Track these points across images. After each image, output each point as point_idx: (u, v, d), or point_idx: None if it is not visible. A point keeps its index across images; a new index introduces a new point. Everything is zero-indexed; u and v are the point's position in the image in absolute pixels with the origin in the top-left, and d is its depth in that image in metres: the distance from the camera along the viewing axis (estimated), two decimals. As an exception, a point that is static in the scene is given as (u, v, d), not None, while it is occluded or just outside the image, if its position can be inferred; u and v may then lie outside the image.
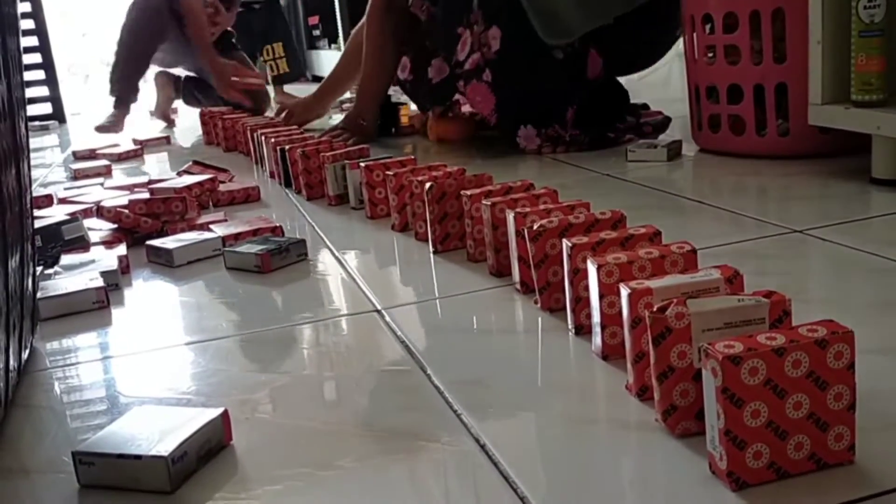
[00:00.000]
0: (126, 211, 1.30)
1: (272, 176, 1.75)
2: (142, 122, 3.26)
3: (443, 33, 1.82)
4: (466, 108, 2.05)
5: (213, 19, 2.88)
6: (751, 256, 0.97)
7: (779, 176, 1.36)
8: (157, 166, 2.18)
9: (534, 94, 1.75)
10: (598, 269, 0.69)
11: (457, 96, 1.88)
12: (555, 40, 1.70)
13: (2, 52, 0.72)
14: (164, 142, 2.61)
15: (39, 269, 1.09)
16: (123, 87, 2.93)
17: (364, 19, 2.07)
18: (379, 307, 0.91)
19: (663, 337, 0.56)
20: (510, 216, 0.89)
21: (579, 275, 0.75)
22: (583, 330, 0.76)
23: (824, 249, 0.97)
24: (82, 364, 0.83)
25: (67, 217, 1.25)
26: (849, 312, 0.78)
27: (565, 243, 0.76)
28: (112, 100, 2.97)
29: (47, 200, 1.60)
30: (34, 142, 3.23)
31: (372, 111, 2.07)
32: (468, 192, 1.02)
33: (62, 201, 1.58)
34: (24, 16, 3.61)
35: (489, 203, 0.95)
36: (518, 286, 0.90)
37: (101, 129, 2.90)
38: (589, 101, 1.76)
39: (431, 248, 1.09)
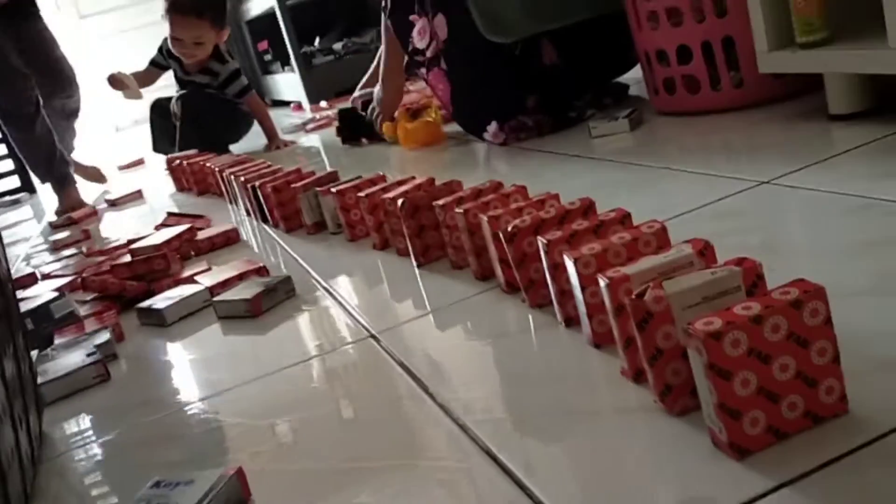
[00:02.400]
0: (110, 278, 1.31)
1: (248, 213, 1.76)
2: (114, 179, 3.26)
3: (396, 20, 1.84)
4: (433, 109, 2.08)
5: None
6: (726, 216, 0.98)
7: (741, 128, 1.37)
8: (135, 221, 2.18)
9: (489, 84, 1.76)
10: (575, 262, 0.70)
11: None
12: (496, 38, 1.71)
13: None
14: (137, 196, 2.61)
15: (34, 352, 1.10)
16: None
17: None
18: (374, 332, 0.92)
19: (646, 322, 0.58)
20: (484, 221, 0.90)
21: (559, 269, 0.76)
22: (572, 322, 0.78)
23: (796, 197, 0.98)
24: (95, 443, 0.84)
25: (55, 295, 1.25)
26: (828, 258, 0.80)
27: (540, 241, 0.77)
28: None
29: (31, 279, 1.61)
30: (7, 217, 3.23)
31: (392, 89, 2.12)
32: (440, 202, 1.03)
33: (46, 277, 1.59)
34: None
35: (462, 211, 0.96)
36: (504, 287, 0.92)
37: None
38: (548, 86, 1.78)
39: (414, 263, 1.10)
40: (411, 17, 1.80)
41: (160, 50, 2.99)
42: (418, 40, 1.81)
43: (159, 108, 3.03)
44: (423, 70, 1.83)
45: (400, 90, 2.16)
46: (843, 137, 1.15)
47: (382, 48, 2.07)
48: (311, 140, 2.91)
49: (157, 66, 3.01)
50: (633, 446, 0.58)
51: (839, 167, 1.04)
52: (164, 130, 3.00)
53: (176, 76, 2.99)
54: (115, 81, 2.87)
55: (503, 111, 1.76)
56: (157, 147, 3.12)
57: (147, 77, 3.01)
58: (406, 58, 2.00)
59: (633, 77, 1.88)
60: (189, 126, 2.82)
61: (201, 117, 2.81)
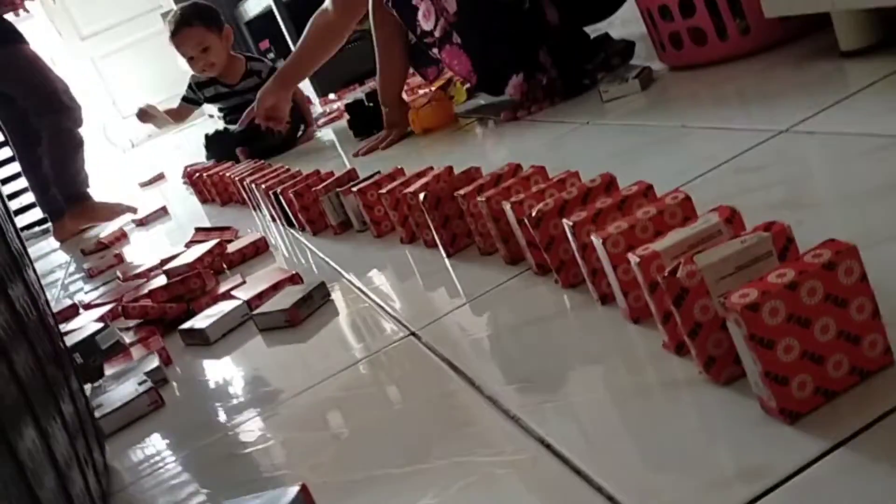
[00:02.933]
0: (150, 302, 1.33)
1: (273, 220, 1.78)
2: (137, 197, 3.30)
3: (399, 6, 1.84)
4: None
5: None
6: (748, 171, 0.98)
7: (752, 75, 1.36)
8: (165, 239, 2.22)
9: (503, 44, 1.76)
10: (604, 242, 0.71)
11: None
12: None
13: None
14: (163, 212, 2.64)
15: (87, 386, 1.13)
16: None
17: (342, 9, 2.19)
18: (413, 329, 0.93)
19: (682, 298, 0.58)
20: (508, 207, 0.91)
21: (588, 249, 0.77)
22: (608, 299, 0.79)
23: (816, 143, 0.98)
24: (157, 471, 0.86)
25: (99, 326, 1.28)
26: (856, 205, 0.80)
27: (566, 223, 0.78)
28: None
29: (72, 310, 1.64)
30: (40, 247, 3.29)
31: (394, 100, 2.13)
32: (462, 192, 1.04)
33: (86, 307, 1.62)
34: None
35: (484, 199, 0.97)
36: (535, 269, 0.93)
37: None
38: (557, 45, 1.77)
39: (444, 253, 1.11)
40: (414, 2, 1.80)
41: (189, 87, 3.09)
42: (424, 22, 1.81)
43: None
44: (435, 50, 1.83)
45: (396, 75, 2.12)
46: (857, 74, 1.14)
47: (375, 45, 2.07)
48: (326, 133, 2.93)
49: (189, 102, 3.14)
50: (685, 419, 0.59)
51: (857, 106, 1.03)
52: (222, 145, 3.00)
53: (221, 96, 3.04)
54: (144, 115, 3.01)
55: (520, 63, 1.76)
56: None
57: (180, 113, 3.15)
58: (401, 45, 2.00)
59: (639, 33, 1.87)
60: (262, 140, 2.85)
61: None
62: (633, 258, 0.65)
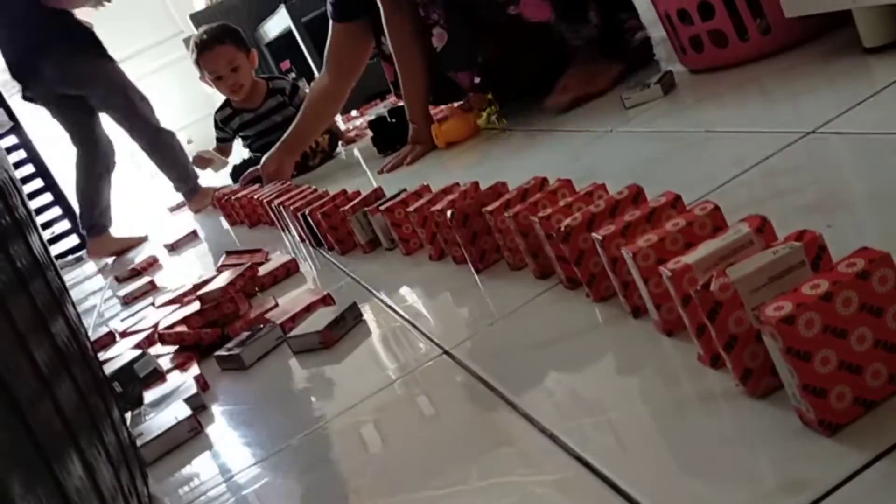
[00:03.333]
0: (185, 328, 1.35)
1: (302, 240, 1.79)
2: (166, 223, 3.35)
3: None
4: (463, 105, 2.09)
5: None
6: (777, 175, 0.97)
7: (776, 75, 1.35)
8: (196, 263, 2.24)
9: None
10: (634, 256, 0.71)
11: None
12: None
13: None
14: (193, 236, 2.67)
15: (127, 415, 1.15)
16: None
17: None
18: (446, 348, 0.94)
19: (716, 312, 0.58)
20: (536, 223, 0.91)
21: (619, 263, 0.77)
22: (640, 312, 0.78)
23: (844, 144, 0.97)
24: (201, 498, 0.87)
25: (137, 353, 1.30)
26: (888, 206, 0.79)
27: (595, 237, 0.78)
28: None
29: (109, 338, 1.67)
30: (74, 275, 3.34)
31: (421, 116, 2.14)
32: (489, 209, 1.04)
33: (123, 335, 1.64)
34: (22, 162, 3.72)
35: (512, 214, 0.97)
36: (565, 283, 0.93)
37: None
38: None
39: (473, 269, 1.11)
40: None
41: (217, 126, 3.15)
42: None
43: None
44: (511, 6, 1.83)
45: (420, 89, 2.13)
46: (883, 71, 1.13)
47: (395, 62, 2.08)
48: (349, 151, 2.95)
49: (223, 141, 3.21)
50: (724, 433, 0.59)
51: (884, 104, 1.02)
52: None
53: (247, 124, 3.08)
54: (201, 161, 3.12)
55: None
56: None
57: (223, 151, 3.23)
58: (421, 58, 2.01)
59: (659, 36, 1.86)
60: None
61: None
62: (665, 272, 0.65)
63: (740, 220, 0.67)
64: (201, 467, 0.95)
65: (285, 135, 2.55)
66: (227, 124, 3.10)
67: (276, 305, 1.36)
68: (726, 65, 1.49)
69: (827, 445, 0.52)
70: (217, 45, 2.89)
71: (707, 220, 0.71)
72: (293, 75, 4.58)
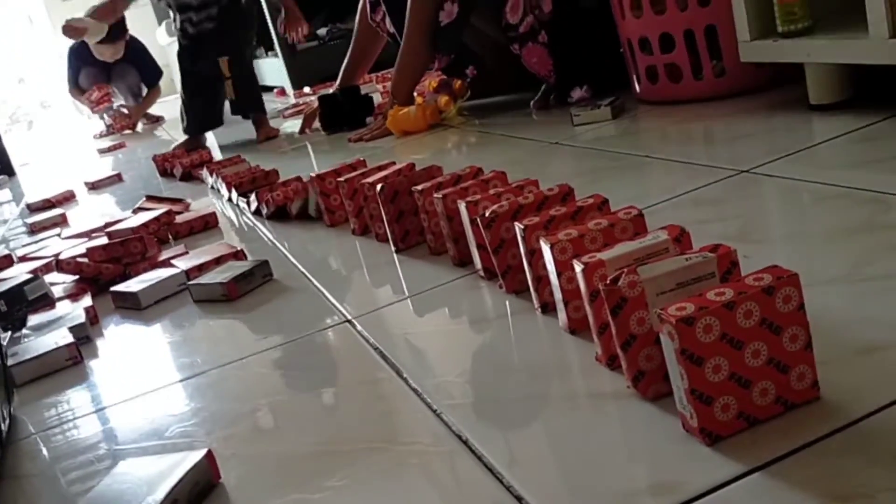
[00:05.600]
0: (86, 260, 1.29)
1: (229, 201, 1.74)
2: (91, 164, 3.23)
3: None
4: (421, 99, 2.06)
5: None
6: (705, 204, 0.98)
7: (721, 117, 1.37)
8: (114, 205, 2.17)
9: (591, 53, 1.78)
10: (552, 247, 0.70)
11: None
12: None
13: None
14: (117, 179, 2.58)
15: (7, 333, 1.09)
16: None
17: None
18: (349, 317, 0.91)
19: (620, 307, 0.57)
20: (462, 206, 0.89)
21: (536, 255, 0.76)
22: (548, 307, 0.78)
23: (774, 186, 0.98)
24: (64, 424, 0.83)
25: (28, 276, 1.24)
26: (804, 246, 0.80)
27: (517, 226, 0.77)
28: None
29: (7, 261, 1.59)
30: (-14, 200, 3.20)
31: (406, 94, 2.07)
32: (419, 188, 1.03)
33: (22, 259, 1.57)
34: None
35: (441, 196, 0.95)
36: (481, 273, 0.91)
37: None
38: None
39: (393, 248, 1.09)
40: None
41: None
42: (511, 16, 1.80)
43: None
44: (516, 45, 1.82)
45: (418, 71, 2.08)
46: (823, 127, 1.15)
47: (407, 29, 2.01)
48: (294, 125, 2.89)
49: None
50: (605, 431, 0.58)
51: (818, 157, 1.04)
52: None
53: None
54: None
55: (602, 78, 1.78)
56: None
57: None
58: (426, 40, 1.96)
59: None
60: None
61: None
62: (578, 265, 0.64)
63: (660, 228, 0.66)
64: (73, 396, 0.90)
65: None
66: None
67: (186, 253, 1.31)
68: (677, 100, 1.51)
69: (703, 453, 0.52)
70: None
71: (629, 225, 0.71)
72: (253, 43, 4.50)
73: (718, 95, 1.46)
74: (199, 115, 2.64)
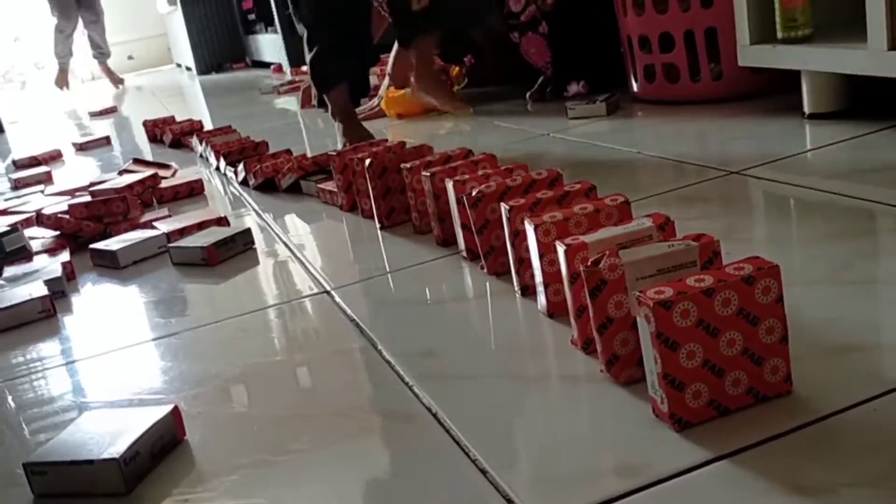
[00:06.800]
0: (67, 216, 1.28)
1: (217, 170, 1.73)
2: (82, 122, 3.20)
3: None
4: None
5: None
6: (693, 201, 0.98)
7: (715, 119, 1.37)
8: (101, 166, 2.14)
9: (590, 49, 1.77)
10: (536, 228, 0.69)
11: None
12: None
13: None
14: (105, 142, 2.56)
15: (-18, 284, 1.08)
16: None
17: None
18: (328, 288, 0.91)
19: (599, 289, 0.57)
20: (450, 185, 0.89)
21: (520, 237, 0.75)
22: (528, 290, 0.77)
23: (762, 188, 0.98)
24: (32, 374, 0.82)
25: (7, 228, 1.22)
26: (786, 247, 0.80)
27: (503, 207, 0.76)
28: None
29: (-13, 214, 1.57)
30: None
31: (403, 79, 1.97)
32: (408, 165, 1.02)
33: (2, 213, 1.55)
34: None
35: (429, 174, 0.95)
36: (464, 253, 0.91)
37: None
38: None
39: (378, 224, 1.09)
40: None
41: None
42: (514, 3, 1.79)
43: None
44: (516, 34, 1.81)
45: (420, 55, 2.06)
46: (815, 136, 1.15)
47: None
48: (288, 102, 2.88)
49: None
50: (575, 413, 0.58)
51: (808, 163, 1.04)
52: None
53: None
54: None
55: (599, 74, 1.76)
56: None
57: None
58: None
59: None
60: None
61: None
62: (561, 246, 0.63)
63: (645, 216, 0.66)
64: (43, 348, 0.89)
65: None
66: None
67: (169, 216, 1.30)
68: (673, 100, 1.51)
69: (671, 438, 0.51)
70: None
71: (614, 211, 0.71)
72: (252, 17, 4.48)
73: (714, 98, 1.46)
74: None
